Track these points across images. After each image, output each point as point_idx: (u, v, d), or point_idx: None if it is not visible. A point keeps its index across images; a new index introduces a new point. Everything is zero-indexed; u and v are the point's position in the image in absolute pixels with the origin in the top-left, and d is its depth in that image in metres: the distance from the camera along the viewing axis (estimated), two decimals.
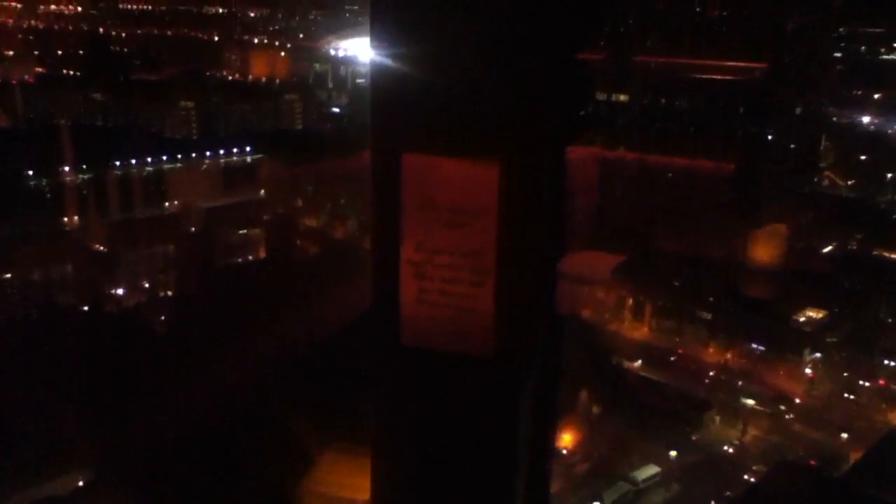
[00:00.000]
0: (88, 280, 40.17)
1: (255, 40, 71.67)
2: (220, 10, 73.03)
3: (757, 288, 38.23)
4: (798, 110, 45.00)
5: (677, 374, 36.32)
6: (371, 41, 1.53)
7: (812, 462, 30.41)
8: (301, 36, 70.50)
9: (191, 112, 59.44)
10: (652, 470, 30.23)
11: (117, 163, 52.10)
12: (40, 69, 64.00)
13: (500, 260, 1.52)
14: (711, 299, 38.39)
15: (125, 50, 70.04)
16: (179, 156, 55.28)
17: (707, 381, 36.38)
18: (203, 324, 30.32)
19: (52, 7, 73.42)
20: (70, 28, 72.05)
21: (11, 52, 65.14)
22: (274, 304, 30.40)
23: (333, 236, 46.74)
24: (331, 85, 65.45)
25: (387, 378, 1.70)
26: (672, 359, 37.63)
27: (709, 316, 38.32)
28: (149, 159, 53.47)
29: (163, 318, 35.60)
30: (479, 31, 1.45)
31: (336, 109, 62.48)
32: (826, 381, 36.03)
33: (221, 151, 56.42)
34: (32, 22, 70.68)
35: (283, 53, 70.26)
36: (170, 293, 40.48)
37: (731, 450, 32.99)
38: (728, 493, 30.09)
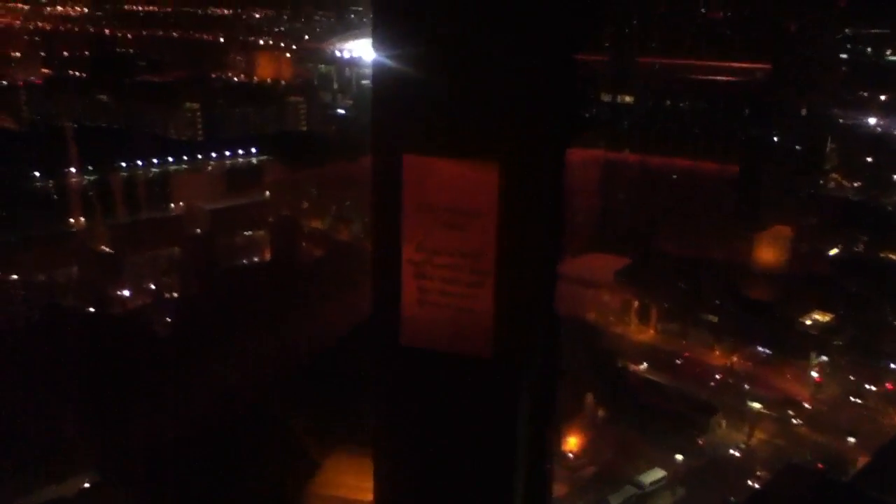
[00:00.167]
0: (94, 282, 40.29)
1: (260, 42, 71.89)
2: (225, 12, 73.28)
3: (762, 290, 38.12)
4: (803, 112, 44.86)
5: (683, 378, 36.13)
6: (373, 43, 1.53)
7: (819, 466, 30.32)
8: (306, 37, 70.68)
9: (196, 114, 59.66)
10: (658, 474, 30.15)
11: (122, 164, 52.33)
12: (46, 70, 64.32)
13: (499, 261, 1.51)
14: (717, 302, 38.25)
15: (131, 52, 70.37)
16: (184, 157, 55.52)
17: (713, 384, 36.21)
18: (207, 326, 30.34)
19: (59, 8, 73.81)
20: (76, 30, 72.41)
21: (18, 54, 65.44)
22: (278, 306, 30.47)
23: (338, 238, 46.86)
24: (336, 86, 65.59)
25: (387, 378, 1.70)
26: (678, 362, 37.46)
27: (714, 319, 38.12)
28: (154, 161, 53.70)
29: (168, 319, 35.68)
30: (479, 32, 1.45)
31: (341, 111, 62.58)
32: (832, 385, 35.84)
33: (226, 153, 56.62)
34: (39, 23, 71.04)
35: (287, 55, 70.43)
36: (175, 295, 40.58)
37: (737, 453, 32.86)
38: (734, 497, 29.98)
